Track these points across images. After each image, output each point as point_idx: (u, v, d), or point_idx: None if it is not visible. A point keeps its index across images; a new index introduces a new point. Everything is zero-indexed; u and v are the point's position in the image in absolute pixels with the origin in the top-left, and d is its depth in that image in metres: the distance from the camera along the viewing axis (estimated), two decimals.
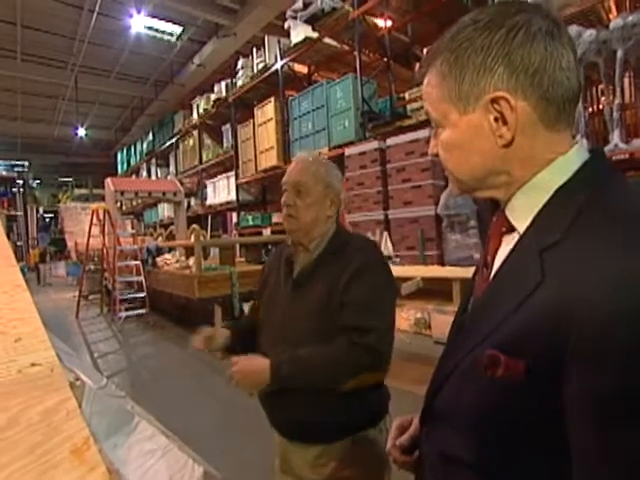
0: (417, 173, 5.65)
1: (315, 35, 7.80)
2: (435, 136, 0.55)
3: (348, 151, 6.85)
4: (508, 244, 0.51)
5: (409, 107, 7.26)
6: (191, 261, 5.82)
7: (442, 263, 5.23)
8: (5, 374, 0.84)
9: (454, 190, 0.57)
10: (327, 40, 8.00)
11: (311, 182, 1.04)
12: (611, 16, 4.78)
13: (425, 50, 6.22)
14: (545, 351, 0.40)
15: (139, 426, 1.52)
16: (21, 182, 16.90)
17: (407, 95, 7.49)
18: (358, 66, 7.07)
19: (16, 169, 17.86)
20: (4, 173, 17.23)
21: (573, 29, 4.37)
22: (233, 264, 5.46)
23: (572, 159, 0.48)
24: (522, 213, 0.49)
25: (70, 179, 22.64)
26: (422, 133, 5.65)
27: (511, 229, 0.51)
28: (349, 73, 7.60)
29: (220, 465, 1.13)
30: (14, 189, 16.72)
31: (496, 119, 0.47)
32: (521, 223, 0.49)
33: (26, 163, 18.60)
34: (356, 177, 6.69)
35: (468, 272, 3.57)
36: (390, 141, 6.16)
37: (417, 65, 8.64)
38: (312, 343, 0.95)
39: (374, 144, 6.40)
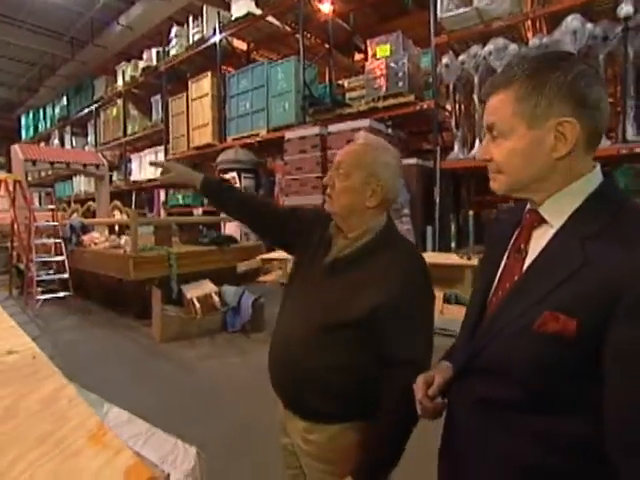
0: None
1: (258, 12, 7.61)
2: (491, 142, 0.68)
3: (288, 134, 6.86)
4: (539, 236, 0.67)
5: (347, 95, 7.45)
6: (123, 240, 5.49)
7: None
8: None
9: (500, 188, 0.70)
10: (270, 18, 7.84)
11: (353, 165, 0.97)
12: (529, 34, 5.39)
13: (368, 41, 6.42)
14: (595, 311, 0.55)
15: (110, 413, 1.50)
16: None
17: (346, 83, 7.67)
18: (301, 49, 7.06)
19: None
20: None
21: (500, 42, 4.87)
22: (170, 245, 5.26)
23: (596, 175, 0.65)
24: (558, 212, 0.65)
25: None
26: (363, 122, 5.89)
27: (540, 224, 0.67)
28: (290, 55, 7.55)
29: None
30: None
31: (556, 137, 0.62)
32: (557, 220, 0.65)
33: None
34: (295, 161, 6.73)
35: None
36: (332, 128, 6.30)
37: (357, 54, 8.88)
38: (320, 333, 0.95)
39: (315, 129, 6.51)
